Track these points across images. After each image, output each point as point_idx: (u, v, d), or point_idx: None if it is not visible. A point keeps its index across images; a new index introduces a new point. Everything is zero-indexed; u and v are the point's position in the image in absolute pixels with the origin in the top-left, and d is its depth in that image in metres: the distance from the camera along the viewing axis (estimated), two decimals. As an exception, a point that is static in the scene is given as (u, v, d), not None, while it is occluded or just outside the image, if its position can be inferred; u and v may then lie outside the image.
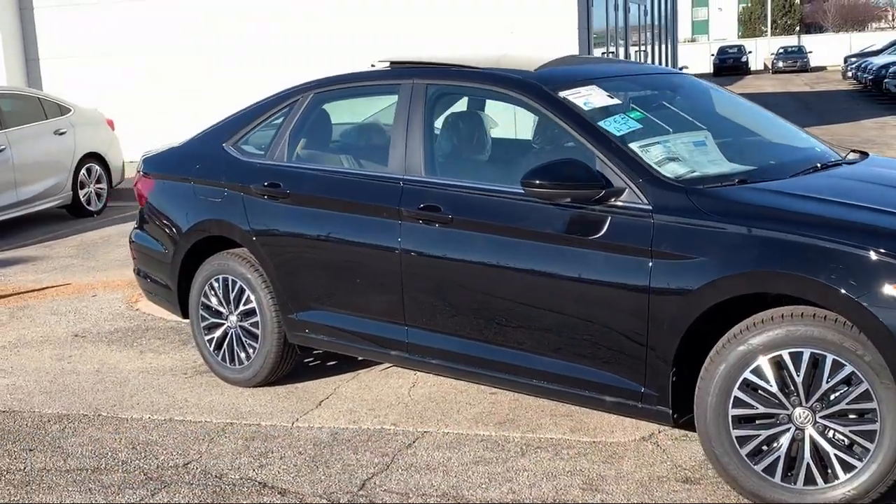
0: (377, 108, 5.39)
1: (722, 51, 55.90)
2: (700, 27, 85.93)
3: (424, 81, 4.85)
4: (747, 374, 3.76)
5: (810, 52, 54.14)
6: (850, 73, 36.88)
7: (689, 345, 3.93)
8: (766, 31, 69.15)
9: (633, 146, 4.25)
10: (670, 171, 4.19)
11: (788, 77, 46.62)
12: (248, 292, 5.36)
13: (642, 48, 22.05)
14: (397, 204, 4.67)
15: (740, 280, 3.77)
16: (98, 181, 12.28)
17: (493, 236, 4.38)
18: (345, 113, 5.60)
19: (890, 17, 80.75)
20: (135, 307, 7.46)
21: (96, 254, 9.72)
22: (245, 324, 5.41)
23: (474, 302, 4.49)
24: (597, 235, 4.09)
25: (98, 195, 12.30)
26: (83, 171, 11.98)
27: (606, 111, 4.49)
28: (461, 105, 5.38)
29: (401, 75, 5.00)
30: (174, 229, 5.67)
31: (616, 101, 4.63)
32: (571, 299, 4.18)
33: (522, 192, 4.25)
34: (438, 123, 4.99)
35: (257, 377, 5.44)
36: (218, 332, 5.55)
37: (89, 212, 12.09)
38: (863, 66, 33.33)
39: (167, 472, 4.46)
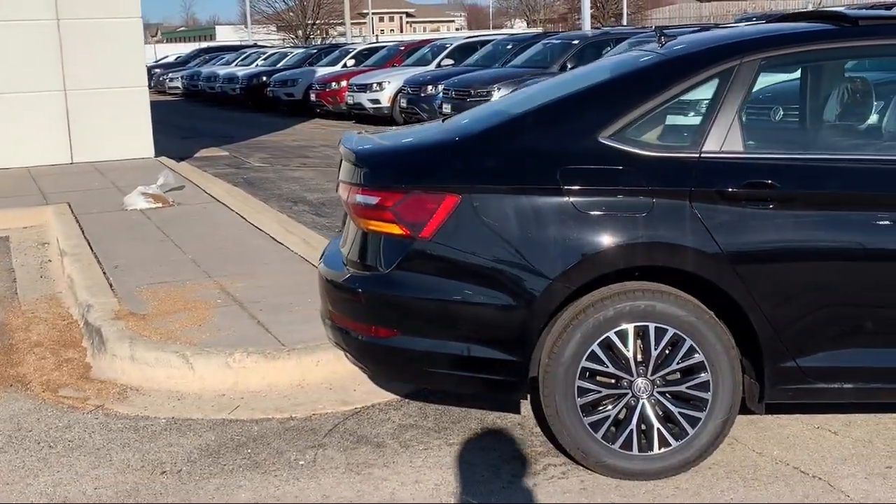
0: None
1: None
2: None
3: None
4: None
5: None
6: (177, 84, 36.17)
7: None
8: None
9: None
10: None
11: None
12: (687, 342, 3.81)
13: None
14: None
15: None
16: None
17: None
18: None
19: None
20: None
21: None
22: (679, 388, 3.88)
23: None
24: None
25: None
26: None
27: None
28: None
29: None
30: (532, 268, 3.81)
31: None
32: None
33: None
34: None
35: (694, 462, 3.96)
36: (612, 408, 3.89)
37: None
38: (207, 76, 32.65)
39: None
